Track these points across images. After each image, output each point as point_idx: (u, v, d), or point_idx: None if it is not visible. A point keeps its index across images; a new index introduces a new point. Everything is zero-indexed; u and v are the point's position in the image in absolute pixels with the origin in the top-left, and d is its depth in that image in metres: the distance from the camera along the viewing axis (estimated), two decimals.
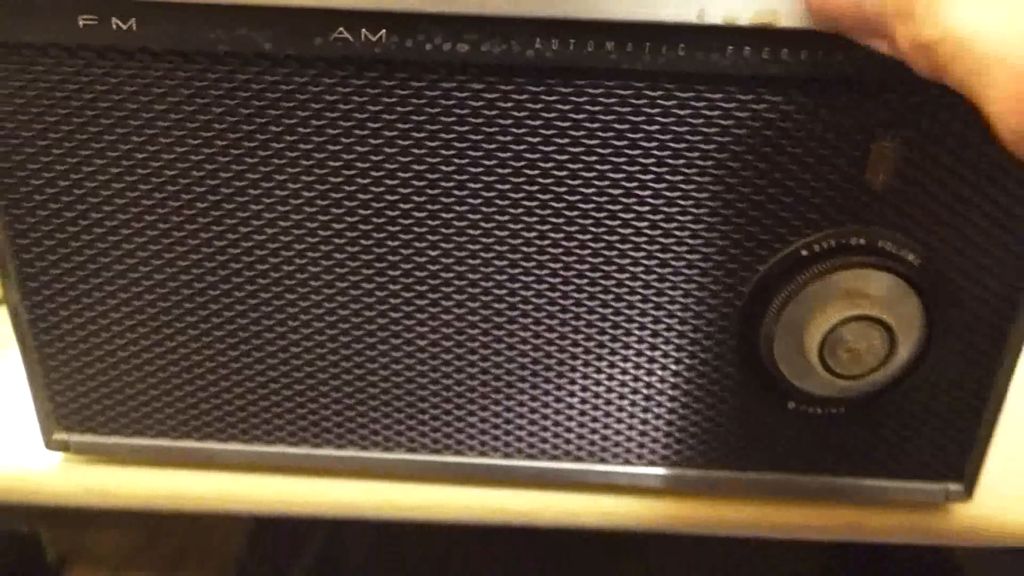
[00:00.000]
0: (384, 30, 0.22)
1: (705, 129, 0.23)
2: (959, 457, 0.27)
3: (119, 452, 0.28)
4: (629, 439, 0.27)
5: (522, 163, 0.23)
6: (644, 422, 0.27)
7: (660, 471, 0.28)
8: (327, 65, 0.22)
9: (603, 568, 0.62)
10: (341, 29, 0.22)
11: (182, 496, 0.29)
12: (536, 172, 0.23)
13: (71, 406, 0.28)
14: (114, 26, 0.22)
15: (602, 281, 0.25)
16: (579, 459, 0.28)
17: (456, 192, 0.24)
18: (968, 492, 0.28)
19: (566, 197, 0.24)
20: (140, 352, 0.27)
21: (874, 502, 0.28)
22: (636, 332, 0.26)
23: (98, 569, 0.68)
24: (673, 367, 0.26)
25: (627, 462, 0.28)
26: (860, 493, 0.28)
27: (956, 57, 0.15)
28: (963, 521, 0.28)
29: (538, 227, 0.24)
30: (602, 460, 0.28)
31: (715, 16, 0.21)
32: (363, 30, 0.22)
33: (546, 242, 0.24)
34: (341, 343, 0.26)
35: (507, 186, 0.24)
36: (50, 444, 0.28)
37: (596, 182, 0.23)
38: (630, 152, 0.23)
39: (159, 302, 0.26)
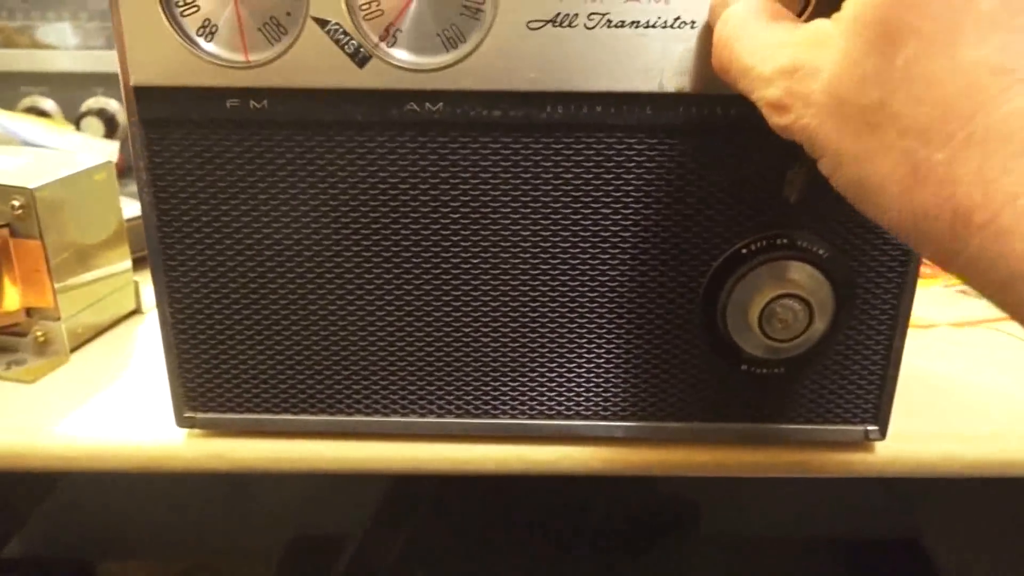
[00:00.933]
0: (441, 103, 0.31)
1: (668, 164, 0.32)
2: (873, 404, 0.36)
3: (234, 426, 0.37)
4: (624, 399, 0.36)
5: (539, 192, 0.33)
6: (635, 386, 0.36)
7: (648, 424, 0.36)
8: (400, 127, 0.32)
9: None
10: (411, 103, 0.31)
11: (280, 459, 0.37)
12: (549, 199, 0.33)
13: (198, 390, 0.36)
14: (252, 106, 0.31)
15: (599, 278, 0.34)
16: (587, 418, 0.37)
17: (491, 215, 0.33)
18: (883, 432, 0.36)
19: (571, 216, 0.33)
20: (251, 348, 0.36)
21: (810, 444, 0.37)
22: (626, 316, 0.35)
23: None
24: (655, 342, 0.35)
25: (623, 419, 0.37)
26: (798, 436, 0.37)
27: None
28: (881, 457, 0.37)
29: (552, 239, 0.33)
30: (604, 418, 0.37)
31: (670, 86, 0.31)
32: (426, 103, 0.31)
33: (557, 250, 0.34)
34: (406, 332, 0.35)
35: (528, 209, 0.33)
36: (180, 421, 0.37)
37: (593, 204, 0.33)
38: (616, 182, 0.32)
39: (266, 315, 0.35)
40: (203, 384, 0.36)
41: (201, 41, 0.30)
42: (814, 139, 0.23)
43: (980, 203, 0.19)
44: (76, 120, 0.64)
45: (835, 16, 0.23)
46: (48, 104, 0.64)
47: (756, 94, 0.25)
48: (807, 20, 0.25)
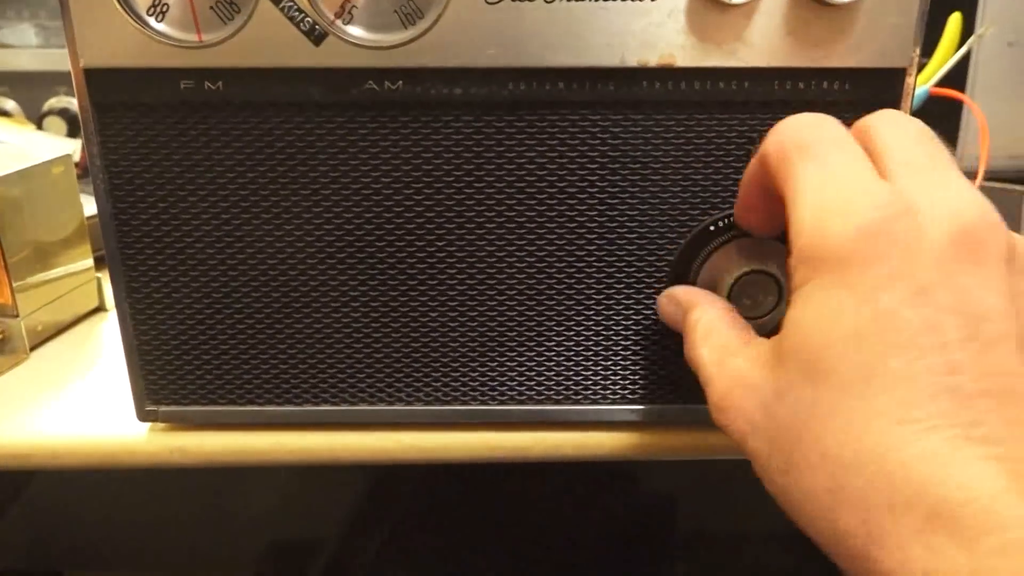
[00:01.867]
0: (400, 81, 0.31)
1: (632, 141, 0.32)
2: None
3: (196, 418, 0.36)
4: (595, 383, 0.36)
5: (503, 172, 0.32)
6: (606, 368, 0.35)
7: (620, 407, 0.36)
8: (359, 108, 0.31)
9: None
10: (370, 82, 0.31)
11: (244, 451, 0.36)
12: (513, 179, 0.32)
13: (159, 383, 0.35)
14: (206, 87, 0.31)
15: (566, 258, 0.33)
16: (558, 402, 0.36)
17: (455, 195, 0.32)
18: None
19: (536, 195, 0.32)
20: (213, 338, 0.35)
21: None
22: (594, 296, 0.34)
23: None
24: (625, 323, 0.35)
25: (595, 402, 0.36)
26: None
27: None
28: None
29: (517, 219, 0.33)
30: (576, 402, 0.36)
31: (632, 61, 0.30)
32: (385, 81, 0.31)
33: (523, 230, 0.33)
34: (371, 318, 0.34)
35: (492, 189, 0.32)
36: (142, 415, 0.36)
37: (558, 183, 0.32)
38: (580, 160, 0.32)
39: (227, 304, 0.34)
40: (164, 376, 0.35)
41: (152, 20, 0.30)
42: (743, 446, 0.26)
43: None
44: (38, 120, 0.63)
45: (775, 340, 0.25)
46: (9, 104, 0.63)
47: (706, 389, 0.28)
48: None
